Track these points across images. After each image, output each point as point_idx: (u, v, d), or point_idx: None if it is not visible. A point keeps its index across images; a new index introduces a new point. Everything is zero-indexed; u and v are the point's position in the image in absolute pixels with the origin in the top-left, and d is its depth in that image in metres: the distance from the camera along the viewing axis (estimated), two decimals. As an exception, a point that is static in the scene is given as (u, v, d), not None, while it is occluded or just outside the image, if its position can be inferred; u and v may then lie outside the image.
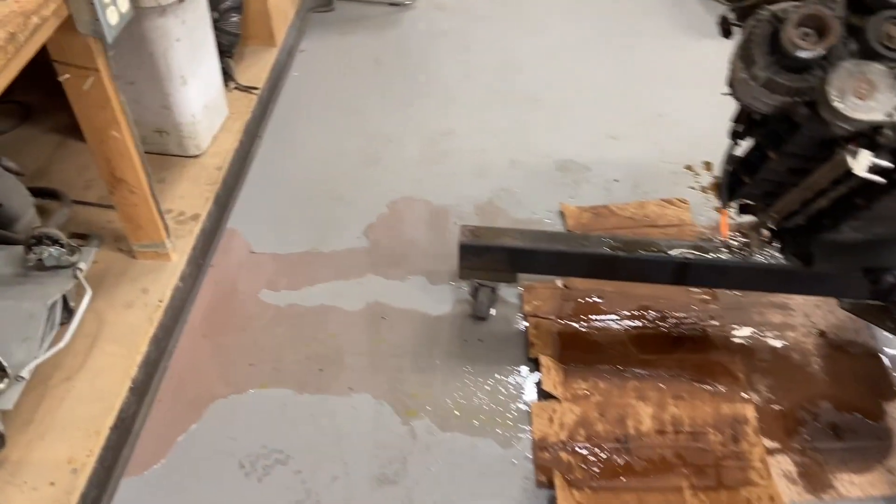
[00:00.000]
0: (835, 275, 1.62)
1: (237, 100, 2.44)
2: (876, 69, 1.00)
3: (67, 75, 1.45)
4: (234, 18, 2.43)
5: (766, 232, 1.46)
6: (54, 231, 1.61)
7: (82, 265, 1.65)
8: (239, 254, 2.06)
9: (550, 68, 2.76)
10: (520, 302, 1.92)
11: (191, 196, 2.07)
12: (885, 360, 1.76)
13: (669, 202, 2.18)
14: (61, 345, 1.51)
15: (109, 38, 1.36)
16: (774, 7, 1.08)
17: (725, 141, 1.32)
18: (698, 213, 2.15)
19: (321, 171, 2.33)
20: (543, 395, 1.69)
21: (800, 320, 1.85)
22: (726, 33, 1.26)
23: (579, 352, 1.79)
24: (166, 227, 1.82)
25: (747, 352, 1.78)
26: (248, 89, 2.48)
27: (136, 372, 1.64)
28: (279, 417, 1.68)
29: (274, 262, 2.04)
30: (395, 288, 1.97)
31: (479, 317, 1.87)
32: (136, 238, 1.82)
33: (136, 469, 1.57)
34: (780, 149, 1.18)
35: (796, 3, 1.07)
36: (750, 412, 1.64)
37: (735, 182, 1.35)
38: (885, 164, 1.01)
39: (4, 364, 1.41)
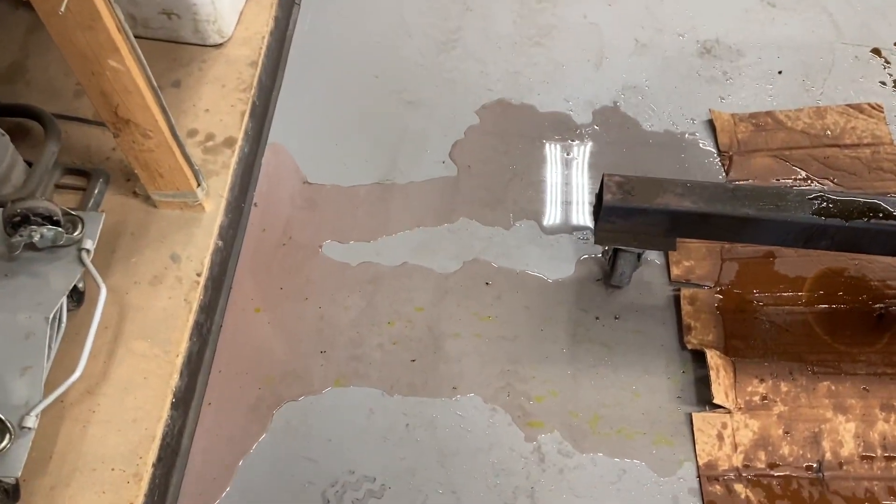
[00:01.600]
0: None
1: (264, -46, 1.80)
2: None
3: None
4: None
5: None
6: (44, 204, 1.13)
7: (89, 244, 1.19)
8: (290, 185, 1.58)
9: None
10: (665, 261, 1.46)
11: (220, 110, 1.54)
12: None
13: (858, 108, 1.62)
14: (75, 375, 1.10)
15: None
16: None
17: None
18: (897, 125, 1.60)
19: (383, 58, 1.76)
20: (707, 400, 1.30)
21: None
22: None
23: (751, 338, 1.36)
24: (195, 173, 1.33)
25: (974, 338, 1.35)
26: (277, -63, 1.83)
27: (178, 380, 1.25)
28: (366, 429, 1.31)
29: (337, 197, 1.56)
30: (499, 238, 1.50)
31: (615, 286, 1.43)
32: (156, 186, 1.34)
33: (193, 506, 1.24)
34: None
35: None
36: None
37: None
38: None
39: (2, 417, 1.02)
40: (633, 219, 1.28)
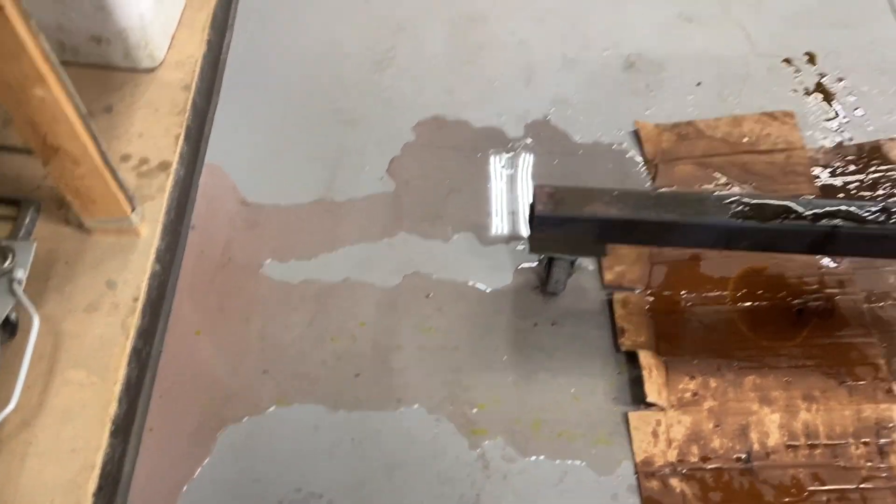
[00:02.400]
0: None
1: (195, -22, 1.81)
2: None
3: (-59, 15, 0.89)
4: None
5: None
6: (-31, 234, 1.12)
7: (20, 274, 1.17)
8: (228, 207, 1.58)
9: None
10: (598, 267, 1.51)
11: (154, 134, 1.54)
12: None
13: (772, 116, 1.71)
14: (9, 408, 1.08)
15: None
16: None
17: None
18: (808, 129, 1.70)
19: (318, 78, 1.78)
20: (642, 399, 1.35)
21: (947, 283, 1.50)
22: None
23: (680, 338, 1.43)
24: (129, 198, 1.33)
25: (885, 327, 1.44)
26: (207, -39, 1.84)
27: (116, 407, 1.24)
28: (312, 446, 1.31)
29: (276, 216, 1.57)
30: (437, 251, 1.53)
31: (551, 293, 1.47)
32: (89, 213, 1.33)
33: (137, 533, 1.23)
34: None
35: None
36: (900, 417, 1.33)
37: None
38: None
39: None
40: (564, 227, 1.33)
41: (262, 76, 1.78)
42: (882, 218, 1.28)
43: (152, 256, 1.38)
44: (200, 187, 1.60)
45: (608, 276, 1.50)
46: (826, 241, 1.31)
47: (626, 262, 1.51)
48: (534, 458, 1.31)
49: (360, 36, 1.86)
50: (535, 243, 1.37)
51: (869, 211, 1.28)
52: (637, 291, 1.48)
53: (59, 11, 1.49)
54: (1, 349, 1.19)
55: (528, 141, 1.69)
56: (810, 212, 1.29)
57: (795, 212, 1.30)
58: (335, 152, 1.66)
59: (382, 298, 1.47)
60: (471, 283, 1.49)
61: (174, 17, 1.69)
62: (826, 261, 1.51)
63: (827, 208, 1.29)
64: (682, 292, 1.48)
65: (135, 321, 1.31)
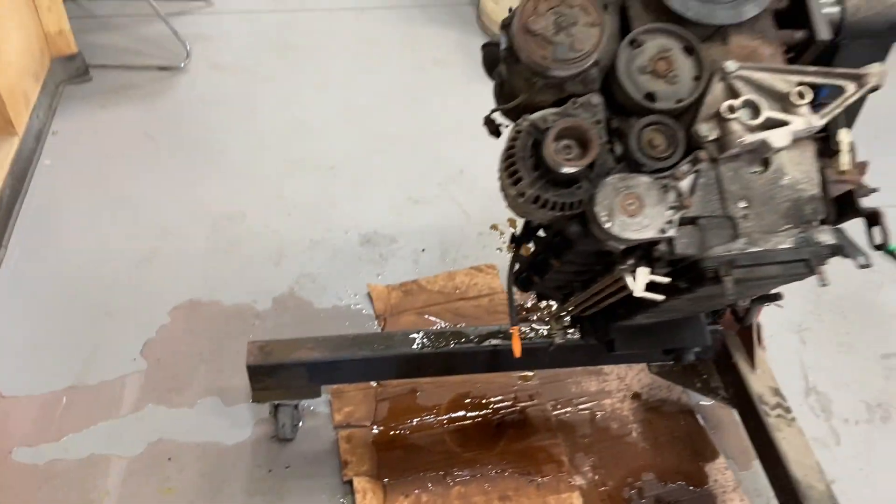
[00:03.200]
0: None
1: (-30, 205, 2.04)
2: (642, 182, 0.92)
3: None
4: (-45, 109, 2.03)
5: (565, 319, 1.38)
6: None
7: None
8: (-19, 403, 1.69)
9: (345, 129, 2.60)
10: (330, 410, 1.72)
11: None
12: (699, 418, 1.76)
13: (478, 269, 2.08)
14: None
15: None
16: (535, 116, 0.97)
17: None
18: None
19: (85, 278, 1.99)
20: (363, 522, 1.51)
21: (615, 385, 1.81)
22: (495, 133, 1.15)
23: (399, 461, 1.63)
24: None
25: (568, 429, 1.71)
26: (-17, 191, 2.09)
27: None
28: None
29: (29, 406, 1.69)
30: (182, 417, 1.69)
31: (283, 438, 1.65)
32: None
33: None
34: (560, 258, 1.08)
35: (556, 111, 0.98)
36: (577, 501, 1.56)
37: (526, 281, 1.25)
38: (662, 280, 0.94)
39: None
40: (277, 374, 1.55)
41: (31, 283, 1.97)
42: (532, 335, 1.60)
43: None
44: (-43, 389, 1.71)
45: (338, 417, 1.70)
46: (494, 359, 1.60)
47: (353, 403, 1.73)
48: (261, 593, 1.41)
49: (128, 240, 2.12)
50: (256, 394, 1.57)
51: (524, 331, 1.60)
52: (364, 427, 1.69)
53: None
54: None
55: (275, 312, 1.95)
56: (475, 335, 1.59)
57: (465, 335, 1.59)
58: (93, 342, 1.84)
59: (126, 467, 1.59)
60: (213, 441, 1.65)
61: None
62: (519, 379, 1.80)
63: (488, 330, 1.60)
64: (403, 422, 1.70)
65: None
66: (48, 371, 1.76)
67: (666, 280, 0.94)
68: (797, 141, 0.95)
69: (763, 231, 0.93)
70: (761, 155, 0.94)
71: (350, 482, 1.57)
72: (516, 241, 1.20)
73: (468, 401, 1.74)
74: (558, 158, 0.92)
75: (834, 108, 0.95)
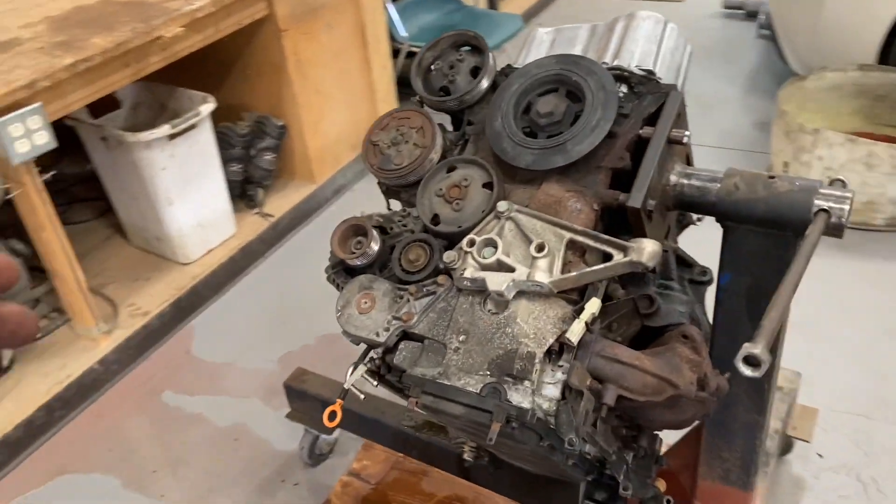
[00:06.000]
0: None
1: (252, 223, 2.81)
2: (382, 287, 0.98)
3: (6, 186, 1.91)
4: (268, 157, 2.84)
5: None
6: None
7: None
8: (177, 354, 2.35)
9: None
10: (354, 457, 1.92)
11: (156, 295, 2.44)
12: None
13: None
14: None
15: (17, 161, 1.78)
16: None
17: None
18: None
19: (299, 298, 2.56)
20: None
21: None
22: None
23: (369, 524, 1.73)
24: (95, 317, 2.18)
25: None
26: (266, 216, 2.86)
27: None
28: None
29: (200, 366, 2.29)
30: (270, 415, 2.09)
31: (303, 461, 1.91)
32: (75, 321, 2.21)
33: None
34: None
35: (378, 215, 1.10)
36: None
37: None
38: (371, 380, 0.97)
39: None
40: (302, 400, 1.83)
41: (266, 290, 2.63)
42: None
43: (97, 359, 2.17)
44: (169, 342, 2.41)
45: (354, 466, 1.88)
46: (461, 466, 1.61)
47: (373, 460, 1.88)
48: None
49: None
50: (290, 412, 1.87)
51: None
52: (367, 483, 1.84)
53: (140, 220, 2.55)
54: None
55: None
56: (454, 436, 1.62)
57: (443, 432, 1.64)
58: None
59: (208, 433, 2.05)
60: (267, 439, 2.00)
61: (217, 239, 2.66)
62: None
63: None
64: (397, 495, 1.79)
65: (57, 389, 2.07)
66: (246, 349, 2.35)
67: (371, 381, 0.97)
68: (547, 298, 0.89)
69: (461, 368, 0.89)
70: (493, 296, 0.90)
71: (320, 518, 1.75)
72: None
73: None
74: (340, 252, 1.04)
75: (571, 275, 0.86)
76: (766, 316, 0.77)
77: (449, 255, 0.94)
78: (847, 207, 0.85)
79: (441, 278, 0.95)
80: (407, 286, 0.97)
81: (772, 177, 0.89)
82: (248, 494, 1.86)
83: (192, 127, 2.38)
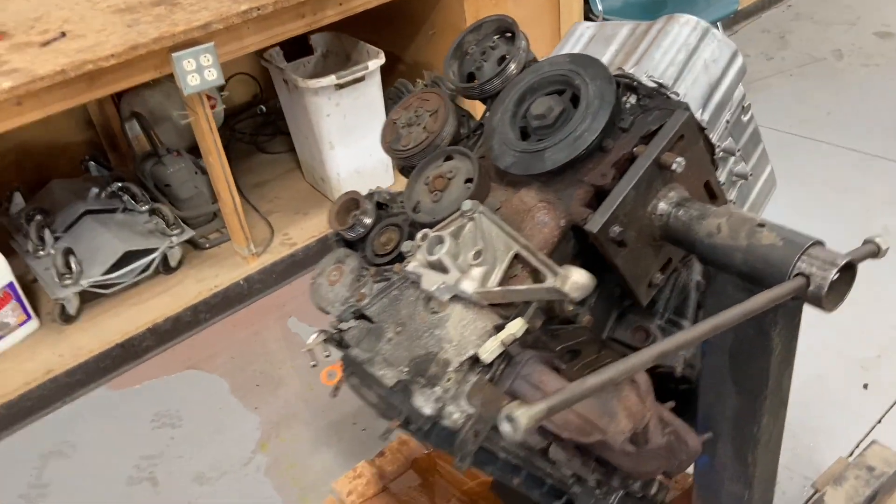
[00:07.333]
0: None
1: (412, 178, 2.93)
2: (351, 265, 0.99)
3: (184, 112, 2.20)
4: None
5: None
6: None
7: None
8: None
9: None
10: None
11: (308, 229, 2.67)
12: None
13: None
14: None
15: (187, 92, 2.04)
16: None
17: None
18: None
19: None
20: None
21: None
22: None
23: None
24: (247, 238, 2.46)
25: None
26: (426, 173, 2.96)
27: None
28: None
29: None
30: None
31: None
32: (233, 239, 2.50)
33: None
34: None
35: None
36: None
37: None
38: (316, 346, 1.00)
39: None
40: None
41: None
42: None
43: (244, 275, 2.46)
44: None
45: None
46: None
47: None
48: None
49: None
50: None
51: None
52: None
53: (309, 160, 2.79)
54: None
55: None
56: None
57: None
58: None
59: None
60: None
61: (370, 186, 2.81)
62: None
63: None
64: (448, 465, 1.82)
65: (205, 295, 2.39)
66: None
67: (321, 349, 0.99)
68: (482, 308, 0.85)
69: (387, 359, 0.89)
70: (430, 293, 0.87)
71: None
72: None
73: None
74: (335, 223, 1.08)
75: (496, 289, 0.80)
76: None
77: (407, 245, 0.93)
78: (830, 277, 0.68)
79: (397, 266, 0.94)
80: (369, 268, 0.97)
81: (761, 224, 0.73)
82: (323, 427, 2.01)
83: (360, 80, 2.53)
